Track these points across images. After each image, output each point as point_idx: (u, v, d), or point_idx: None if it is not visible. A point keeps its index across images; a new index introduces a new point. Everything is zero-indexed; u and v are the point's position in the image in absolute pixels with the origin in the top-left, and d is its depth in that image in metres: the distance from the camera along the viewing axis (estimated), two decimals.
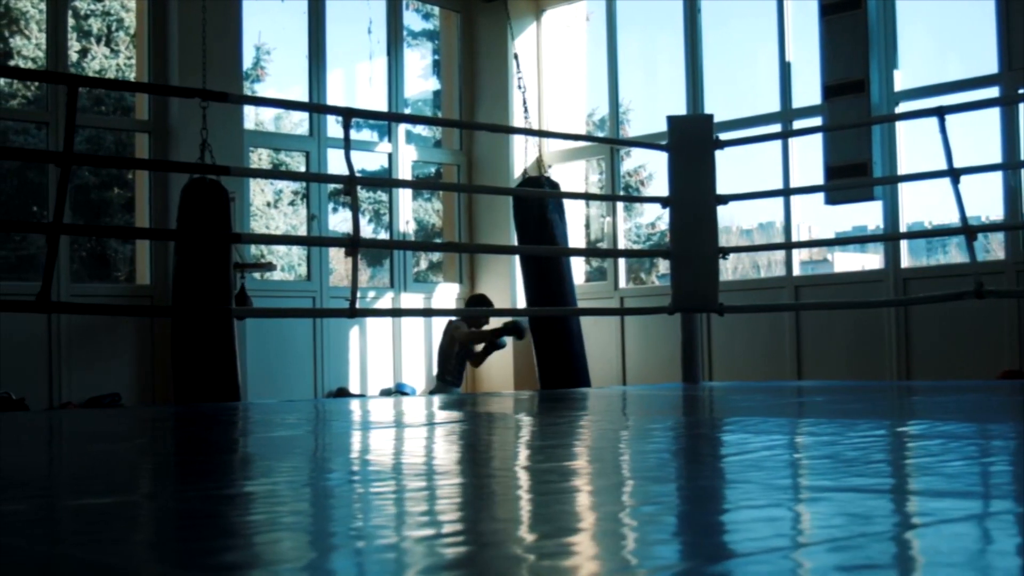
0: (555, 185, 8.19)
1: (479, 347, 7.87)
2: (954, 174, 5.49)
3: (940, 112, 5.52)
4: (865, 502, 1.53)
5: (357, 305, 8.87)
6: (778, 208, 8.35)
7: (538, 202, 7.66)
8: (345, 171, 5.04)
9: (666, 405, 4.46)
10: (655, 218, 15.93)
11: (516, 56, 8.15)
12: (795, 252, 10.99)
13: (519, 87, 7.98)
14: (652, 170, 15.47)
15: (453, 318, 7.93)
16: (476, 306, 7.95)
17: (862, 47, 7.44)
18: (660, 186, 14.67)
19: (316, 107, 7.24)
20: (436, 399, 5.38)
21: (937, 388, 5.09)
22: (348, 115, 5.24)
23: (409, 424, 3.46)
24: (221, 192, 6.12)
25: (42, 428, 3.93)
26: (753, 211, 19.07)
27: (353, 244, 5.13)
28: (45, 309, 4.69)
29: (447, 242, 6.99)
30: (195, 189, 6.06)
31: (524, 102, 7.98)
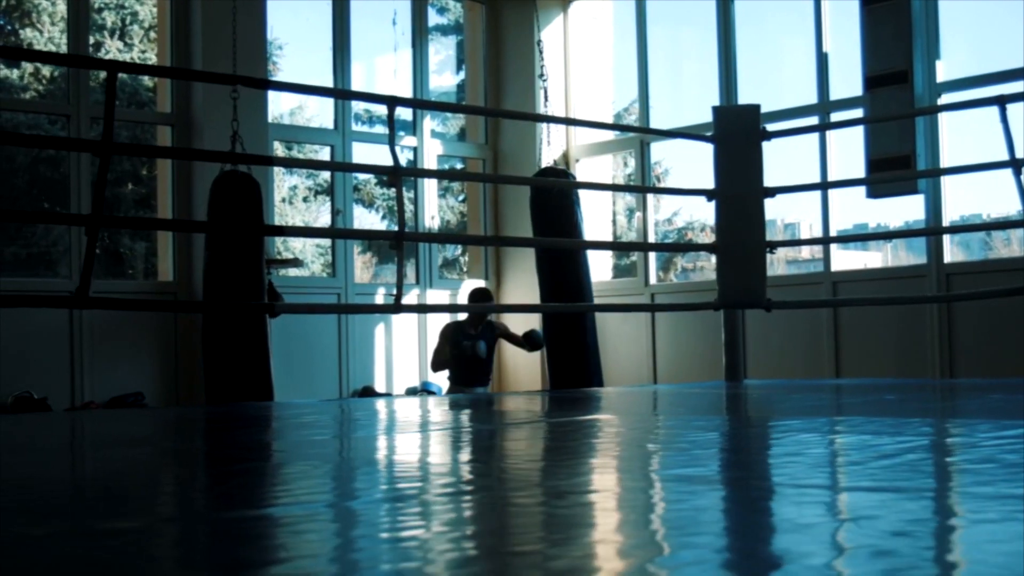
0: (573, 178, 7.96)
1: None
2: (1016, 165, 5.31)
3: (1001, 101, 5.34)
4: None
5: (384, 301, 8.73)
6: (779, 207, 8.16)
7: (559, 192, 7.39)
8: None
9: (736, 405, 4.28)
10: (671, 214, 15.75)
11: (539, 43, 7.95)
12: (798, 251, 10.80)
13: (541, 76, 7.73)
14: (668, 165, 15.28)
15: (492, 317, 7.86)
16: (479, 300, 7.83)
17: (906, 37, 7.26)
18: (676, 181, 14.49)
19: (359, 95, 7.06)
20: (509, 399, 5.19)
21: (1005, 386, 4.91)
22: (392, 104, 5.05)
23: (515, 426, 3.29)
24: (253, 185, 5.91)
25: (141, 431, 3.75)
26: None
27: (398, 237, 4.93)
28: (83, 305, 4.51)
29: (493, 236, 6.78)
30: (227, 181, 5.84)
31: (545, 92, 7.72)
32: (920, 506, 1.46)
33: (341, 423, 3.55)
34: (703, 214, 14.02)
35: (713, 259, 5.92)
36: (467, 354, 7.52)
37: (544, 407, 4.26)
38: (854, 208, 12.54)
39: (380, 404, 4.84)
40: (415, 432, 3.15)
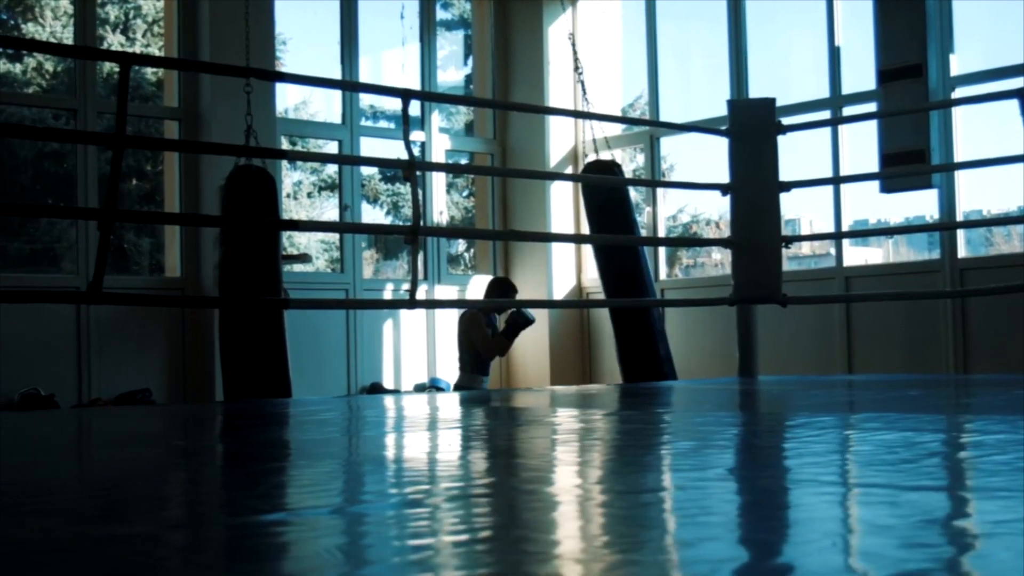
0: (620, 170, 7.65)
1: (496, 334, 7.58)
2: None
3: (1021, 94, 5.29)
4: None
5: (393, 296, 8.67)
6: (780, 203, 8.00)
7: (610, 187, 7.23)
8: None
9: (759, 402, 4.24)
10: (676, 210, 15.68)
11: (571, 35, 8.02)
12: (799, 246, 10.72)
13: (577, 69, 7.74)
14: (673, 161, 15.22)
15: (467, 309, 7.43)
16: (500, 290, 7.52)
17: (920, 30, 7.21)
18: (681, 177, 14.40)
19: (375, 88, 6.98)
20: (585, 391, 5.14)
21: None
22: (407, 96, 4.99)
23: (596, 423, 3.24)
24: (268, 179, 5.85)
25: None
26: None
27: (413, 232, 4.89)
28: (97, 300, 4.45)
29: (509, 230, 6.72)
30: (242, 176, 5.78)
31: (583, 86, 7.70)
32: (998, 506, 1.41)
33: (363, 421, 3.50)
34: (708, 209, 13.96)
35: (715, 254, 5.88)
36: (522, 321, 7.07)
37: (579, 404, 4.21)
38: (856, 204, 12.44)
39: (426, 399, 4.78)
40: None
